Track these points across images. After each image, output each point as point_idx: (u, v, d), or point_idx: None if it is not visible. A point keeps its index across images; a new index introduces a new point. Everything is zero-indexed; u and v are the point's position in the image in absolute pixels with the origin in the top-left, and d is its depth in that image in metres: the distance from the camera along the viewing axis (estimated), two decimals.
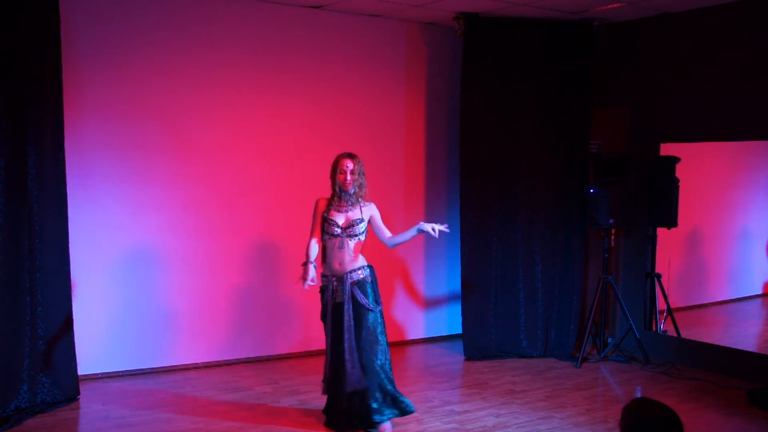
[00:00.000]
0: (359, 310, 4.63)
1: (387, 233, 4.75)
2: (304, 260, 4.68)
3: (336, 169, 4.67)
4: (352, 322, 4.61)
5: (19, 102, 4.92)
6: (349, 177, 4.62)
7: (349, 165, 4.63)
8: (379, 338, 4.68)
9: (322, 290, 4.78)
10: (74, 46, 5.50)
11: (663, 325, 6.80)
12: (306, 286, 4.61)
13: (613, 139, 6.97)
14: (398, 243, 4.78)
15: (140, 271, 5.95)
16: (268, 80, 6.38)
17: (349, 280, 4.63)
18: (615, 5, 6.22)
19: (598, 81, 6.92)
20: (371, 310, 4.64)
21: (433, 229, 4.55)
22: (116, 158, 5.80)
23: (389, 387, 4.70)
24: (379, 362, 4.65)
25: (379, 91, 6.92)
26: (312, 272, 4.59)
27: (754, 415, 5.28)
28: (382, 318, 4.73)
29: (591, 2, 6.15)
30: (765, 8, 5.91)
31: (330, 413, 4.85)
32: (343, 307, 4.62)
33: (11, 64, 4.87)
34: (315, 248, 4.69)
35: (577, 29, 6.69)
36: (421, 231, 4.59)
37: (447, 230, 4.61)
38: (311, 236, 4.76)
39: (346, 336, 4.59)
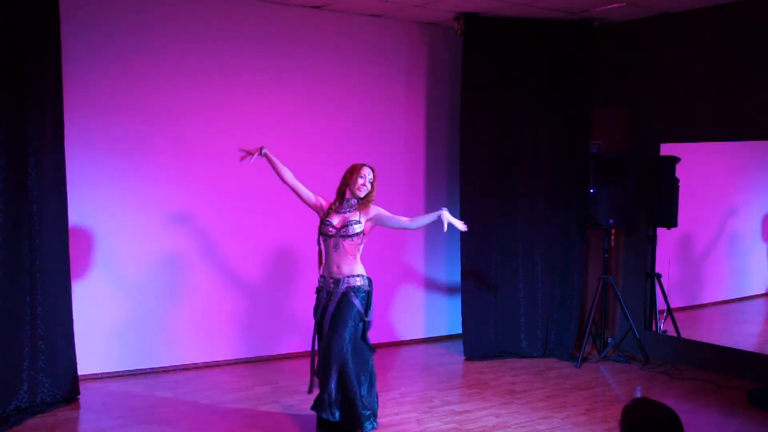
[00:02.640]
0: (345, 304, 4.59)
1: (403, 219, 4.75)
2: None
3: (355, 172, 4.68)
4: (330, 312, 4.59)
5: (19, 102, 4.92)
6: (368, 185, 4.68)
7: (369, 175, 4.69)
8: (356, 338, 4.61)
9: (318, 291, 4.78)
10: (74, 46, 5.50)
11: (663, 325, 6.80)
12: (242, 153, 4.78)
13: (613, 139, 6.97)
14: (421, 225, 4.77)
15: (140, 271, 5.95)
16: (268, 80, 6.38)
17: (345, 284, 4.63)
18: (615, 5, 6.22)
19: (598, 81, 6.92)
20: (357, 312, 4.60)
21: (449, 224, 4.61)
22: (116, 158, 5.80)
23: (355, 392, 4.56)
24: (347, 352, 4.55)
25: (379, 90, 6.92)
26: (255, 155, 4.76)
27: (754, 415, 5.28)
28: (364, 330, 4.65)
29: (591, 2, 6.15)
30: (765, 8, 5.91)
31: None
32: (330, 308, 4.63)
33: (11, 64, 4.87)
34: (289, 171, 4.82)
35: (577, 29, 6.69)
36: (440, 218, 4.63)
37: (464, 228, 4.70)
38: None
39: (325, 330, 4.60)
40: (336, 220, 4.67)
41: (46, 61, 5.05)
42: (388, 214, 4.75)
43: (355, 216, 4.66)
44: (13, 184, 4.91)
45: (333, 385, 4.54)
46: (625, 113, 6.91)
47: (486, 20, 6.60)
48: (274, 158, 4.81)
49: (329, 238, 4.67)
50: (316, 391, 4.70)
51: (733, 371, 6.13)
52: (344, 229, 4.62)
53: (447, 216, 4.61)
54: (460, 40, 6.68)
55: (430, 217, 4.69)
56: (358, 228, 4.64)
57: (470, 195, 6.67)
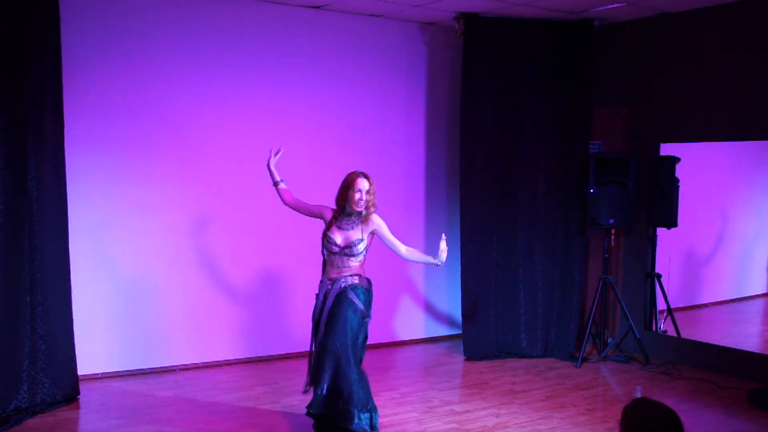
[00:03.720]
0: (342, 302, 4.56)
1: (401, 248, 4.67)
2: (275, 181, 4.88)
3: (350, 187, 4.56)
4: (326, 314, 4.58)
5: (19, 102, 4.92)
6: (365, 197, 4.55)
7: (365, 186, 4.55)
8: (358, 336, 4.60)
9: (317, 295, 4.76)
10: (74, 46, 5.49)
11: (663, 325, 6.80)
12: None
13: (613, 139, 6.97)
14: (413, 260, 4.78)
15: (140, 271, 5.95)
16: (268, 80, 6.38)
17: (343, 282, 4.62)
18: (615, 5, 6.22)
19: (598, 81, 6.91)
20: (358, 309, 4.58)
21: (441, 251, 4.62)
22: (116, 158, 5.80)
23: (353, 394, 4.53)
24: (342, 349, 4.53)
25: (379, 90, 6.92)
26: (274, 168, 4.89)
27: (754, 415, 5.28)
28: (363, 329, 4.64)
29: (591, 2, 6.15)
30: (764, 8, 5.91)
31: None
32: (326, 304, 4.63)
33: (11, 64, 4.87)
34: (287, 192, 4.86)
35: (577, 29, 6.69)
36: (437, 264, 4.64)
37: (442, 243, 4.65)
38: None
39: (321, 328, 4.60)
40: (339, 239, 4.60)
41: (46, 62, 5.05)
42: (387, 234, 4.67)
43: (357, 234, 4.60)
44: (13, 184, 4.91)
45: (326, 384, 4.55)
46: (625, 113, 6.91)
47: (486, 20, 6.60)
48: (283, 188, 4.86)
49: (333, 255, 4.64)
50: (312, 391, 4.70)
51: (733, 371, 6.13)
52: (348, 249, 4.58)
53: (442, 255, 4.58)
54: (460, 40, 6.68)
55: (427, 259, 4.68)
56: (361, 247, 4.61)
57: (470, 195, 6.67)
